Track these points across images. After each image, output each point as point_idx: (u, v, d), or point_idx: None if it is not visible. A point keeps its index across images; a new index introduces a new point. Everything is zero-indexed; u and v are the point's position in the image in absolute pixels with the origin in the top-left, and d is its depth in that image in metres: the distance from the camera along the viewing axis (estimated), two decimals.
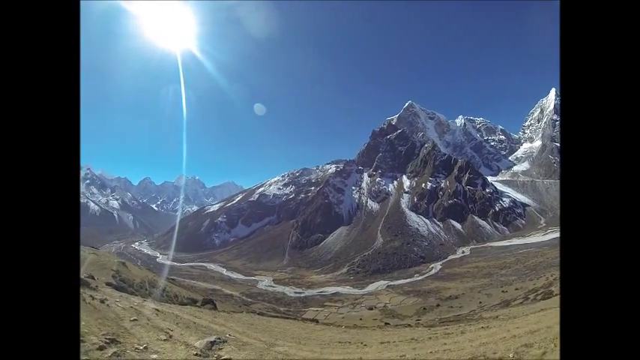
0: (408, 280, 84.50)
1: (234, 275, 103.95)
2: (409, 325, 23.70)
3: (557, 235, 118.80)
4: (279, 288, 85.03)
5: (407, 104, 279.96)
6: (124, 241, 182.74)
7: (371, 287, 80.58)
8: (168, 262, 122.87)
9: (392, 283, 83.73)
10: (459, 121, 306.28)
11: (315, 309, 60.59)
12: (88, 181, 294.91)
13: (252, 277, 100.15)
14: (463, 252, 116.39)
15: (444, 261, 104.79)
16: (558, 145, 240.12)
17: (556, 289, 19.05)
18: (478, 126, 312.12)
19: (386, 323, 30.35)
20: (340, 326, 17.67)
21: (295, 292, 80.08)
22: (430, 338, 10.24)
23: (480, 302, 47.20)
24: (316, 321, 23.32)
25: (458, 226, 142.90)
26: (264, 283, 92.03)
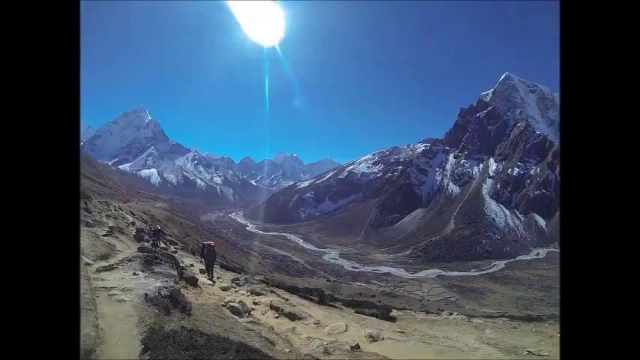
0: (462, 274, 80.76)
1: (308, 246, 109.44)
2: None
3: None
4: (341, 261, 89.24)
5: (503, 76, 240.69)
6: (223, 211, 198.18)
7: (422, 273, 79.58)
8: (256, 231, 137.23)
9: (444, 273, 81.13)
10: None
11: (360, 284, 63.30)
12: (195, 162, 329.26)
13: (323, 249, 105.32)
14: (538, 254, 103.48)
15: (510, 260, 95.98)
16: None
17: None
18: None
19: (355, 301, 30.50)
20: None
21: (352, 267, 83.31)
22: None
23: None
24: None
25: (542, 222, 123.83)
26: (331, 255, 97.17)
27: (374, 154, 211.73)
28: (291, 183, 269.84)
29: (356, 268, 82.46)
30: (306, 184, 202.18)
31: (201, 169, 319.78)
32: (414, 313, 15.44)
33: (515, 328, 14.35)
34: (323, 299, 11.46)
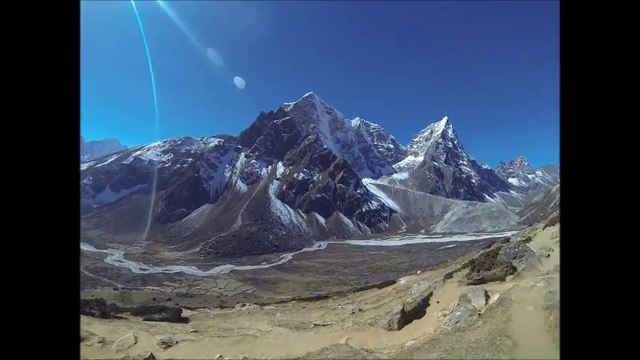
0: (254, 267, 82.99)
1: (86, 247, 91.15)
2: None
3: (410, 241, 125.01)
4: (127, 263, 79.50)
5: (307, 94, 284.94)
6: None
7: (215, 270, 78.02)
8: None
9: (237, 268, 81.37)
10: (355, 122, 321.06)
11: (152, 288, 58.33)
12: None
13: (104, 250, 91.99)
14: (319, 246, 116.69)
15: (296, 252, 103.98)
16: (436, 164, 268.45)
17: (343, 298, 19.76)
18: (371, 130, 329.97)
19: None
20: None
21: (141, 269, 75.23)
22: None
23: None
24: None
25: (322, 220, 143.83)
26: (115, 257, 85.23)
27: (165, 142, 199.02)
28: None
29: (145, 270, 74.42)
30: (84, 166, 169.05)
31: None
32: (208, 310, 15.34)
33: (304, 307, 16.11)
34: (106, 312, 10.21)
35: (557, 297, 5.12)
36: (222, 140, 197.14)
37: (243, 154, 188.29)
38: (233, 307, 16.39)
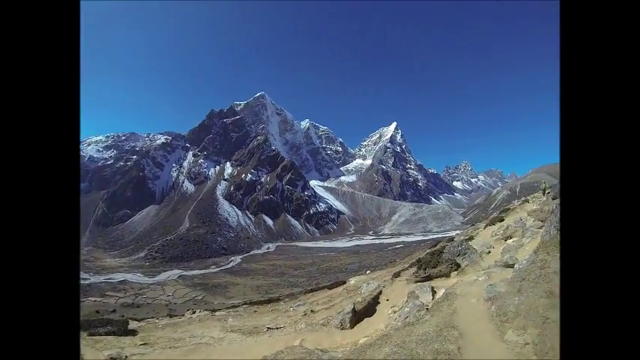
0: (202, 272, 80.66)
1: None
2: None
3: (359, 242, 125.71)
4: None
5: (258, 94, 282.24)
6: None
7: (162, 276, 75.00)
8: None
9: (185, 273, 79.02)
10: (305, 124, 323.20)
11: (95, 299, 55.20)
12: None
13: None
14: (268, 248, 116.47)
15: (245, 255, 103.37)
16: (384, 167, 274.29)
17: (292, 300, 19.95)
18: (320, 133, 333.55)
19: None
20: None
21: (81, 278, 68.93)
22: None
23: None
24: None
25: (270, 222, 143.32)
26: None
27: (108, 137, 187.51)
28: None
29: (85, 279, 69.63)
30: None
31: None
32: (157, 321, 15.00)
33: (256, 311, 16.05)
34: None
35: (498, 289, 5.53)
36: (170, 138, 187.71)
37: (191, 152, 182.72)
38: (183, 315, 16.11)
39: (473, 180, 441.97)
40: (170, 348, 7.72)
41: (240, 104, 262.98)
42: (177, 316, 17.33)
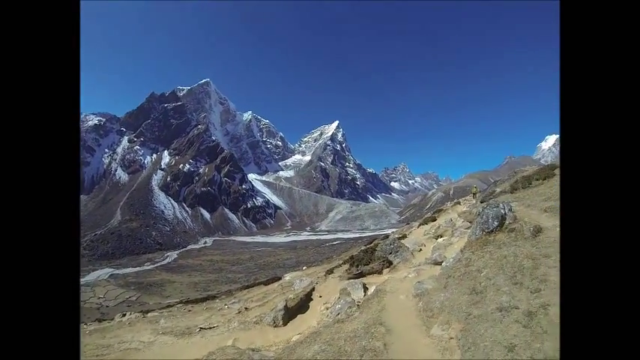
0: (137, 269, 76.01)
1: None
2: None
3: (296, 238, 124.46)
4: None
5: (203, 81, 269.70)
6: None
7: (92, 275, 69.41)
8: None
9: (117, 271, 73.86)
10: (247, 115, 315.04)
11: None
12: None
13: None
14: (205, 242, 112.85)
15: (181, 250, 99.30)
16: (323, 164, 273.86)
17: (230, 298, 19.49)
18: (262, 126, 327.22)
19: None
20: None
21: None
22: None
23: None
24: None
25: (207, 215, 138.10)
26: None
27: None
28: None
29: None
30: None
31: None
32: (84, 326, 14.20)
33: (190, 310, 15.54)
34: None
35: (425, 286, 5.70)
36: (104, 120, 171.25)
37: (126, 138, 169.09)
38: (112, 320, 15.32)
39: (410, 181, 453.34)
40: (97, 356, 7.32)
41: (183, 89, 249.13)
42: (106, 320, 16.52)
